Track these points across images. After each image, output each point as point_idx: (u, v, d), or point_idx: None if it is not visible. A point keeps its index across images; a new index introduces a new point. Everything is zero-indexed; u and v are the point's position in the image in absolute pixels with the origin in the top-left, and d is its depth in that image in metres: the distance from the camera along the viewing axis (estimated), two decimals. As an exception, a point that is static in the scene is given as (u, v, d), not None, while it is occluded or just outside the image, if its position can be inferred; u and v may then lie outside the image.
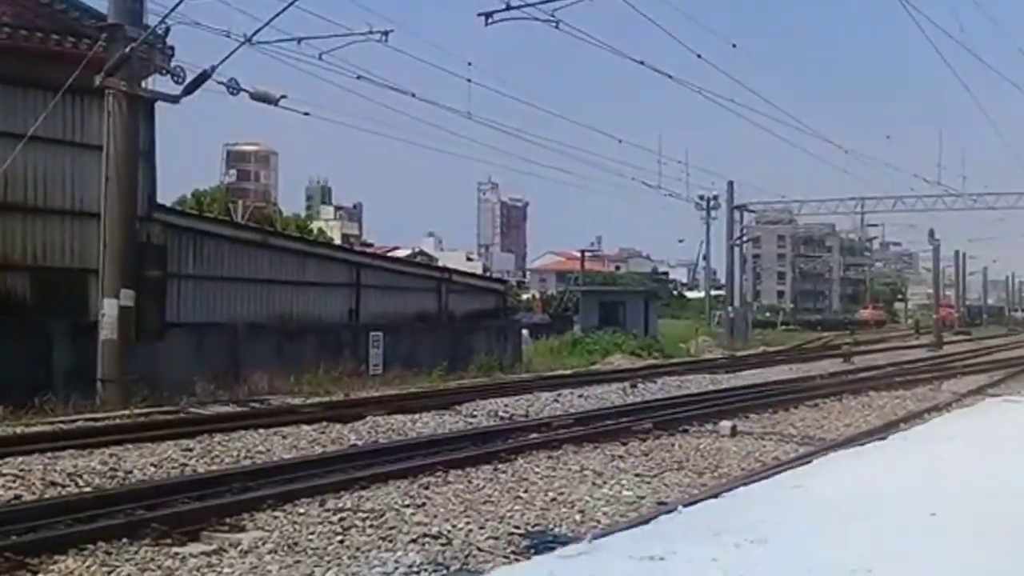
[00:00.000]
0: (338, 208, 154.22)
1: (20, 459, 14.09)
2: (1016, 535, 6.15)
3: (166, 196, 33.89)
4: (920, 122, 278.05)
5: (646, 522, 6.62)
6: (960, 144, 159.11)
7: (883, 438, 12.48)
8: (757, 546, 5.14)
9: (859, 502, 6.62)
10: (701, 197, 64.80)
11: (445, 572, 9.26)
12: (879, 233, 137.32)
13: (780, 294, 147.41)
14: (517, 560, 9.65)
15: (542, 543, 10.27)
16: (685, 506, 6.60)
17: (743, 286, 71.81)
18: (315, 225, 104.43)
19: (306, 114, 30.05)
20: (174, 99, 23.11)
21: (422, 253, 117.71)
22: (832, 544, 5.39)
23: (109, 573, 9.04)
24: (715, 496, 7.08)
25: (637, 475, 14.53)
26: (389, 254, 71.93)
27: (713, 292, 76.80)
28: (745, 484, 7.00)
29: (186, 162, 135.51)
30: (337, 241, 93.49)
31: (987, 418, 8.76)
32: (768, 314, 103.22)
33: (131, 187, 22.47)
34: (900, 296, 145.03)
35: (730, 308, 61.85)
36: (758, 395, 26.00)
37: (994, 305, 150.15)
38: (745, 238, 68.90)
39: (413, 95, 33.87)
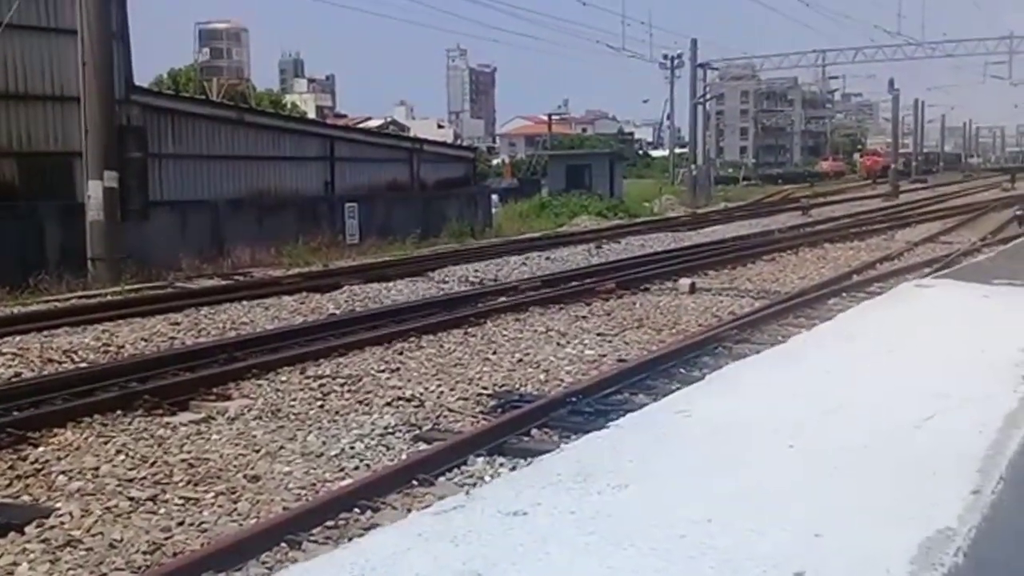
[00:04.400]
0: (311, 81, 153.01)
1: (18, 338, 14.60)
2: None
3: (143, 78, 34.05)
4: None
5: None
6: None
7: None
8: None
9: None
10: (665, 56, 64.92)
11: (418, 432, 9.89)
12: (840, 85, 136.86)
13: (743, 150, 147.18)
14: (486, 420, 10.26)
15: (508, 402, 10.95)
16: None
17: (706, 143, 71.48)
18: (289, 99, 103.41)
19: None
20: (142, -21, 23.49)
21: (394, 123, 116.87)
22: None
23: (105, 443, 9.47)
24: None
25: (599, 334, 15.12)
26: (362, 125, 71.82)
27: (678, 150, 76.39)
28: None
29: (161, 43, 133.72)
30: (311, 114, 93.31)
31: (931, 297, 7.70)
32: (731, 170, 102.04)
33: (107, 70, 22.65)
34: (860, 147, 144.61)
35: (693, 166, 61.54)
36: (717, 251, 26.52)
37: (951, 152, 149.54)
38: (708, 96, 68.83)
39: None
